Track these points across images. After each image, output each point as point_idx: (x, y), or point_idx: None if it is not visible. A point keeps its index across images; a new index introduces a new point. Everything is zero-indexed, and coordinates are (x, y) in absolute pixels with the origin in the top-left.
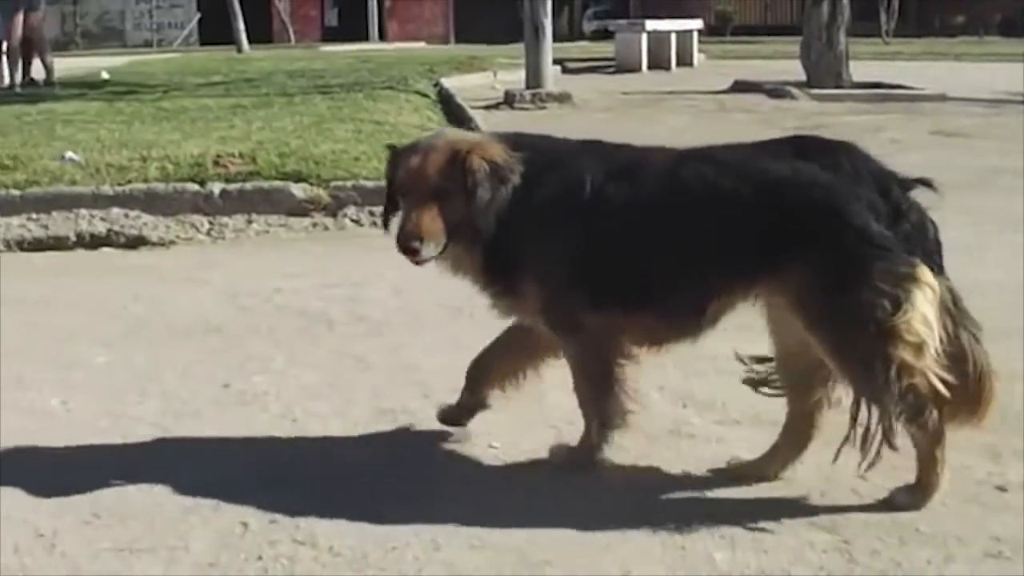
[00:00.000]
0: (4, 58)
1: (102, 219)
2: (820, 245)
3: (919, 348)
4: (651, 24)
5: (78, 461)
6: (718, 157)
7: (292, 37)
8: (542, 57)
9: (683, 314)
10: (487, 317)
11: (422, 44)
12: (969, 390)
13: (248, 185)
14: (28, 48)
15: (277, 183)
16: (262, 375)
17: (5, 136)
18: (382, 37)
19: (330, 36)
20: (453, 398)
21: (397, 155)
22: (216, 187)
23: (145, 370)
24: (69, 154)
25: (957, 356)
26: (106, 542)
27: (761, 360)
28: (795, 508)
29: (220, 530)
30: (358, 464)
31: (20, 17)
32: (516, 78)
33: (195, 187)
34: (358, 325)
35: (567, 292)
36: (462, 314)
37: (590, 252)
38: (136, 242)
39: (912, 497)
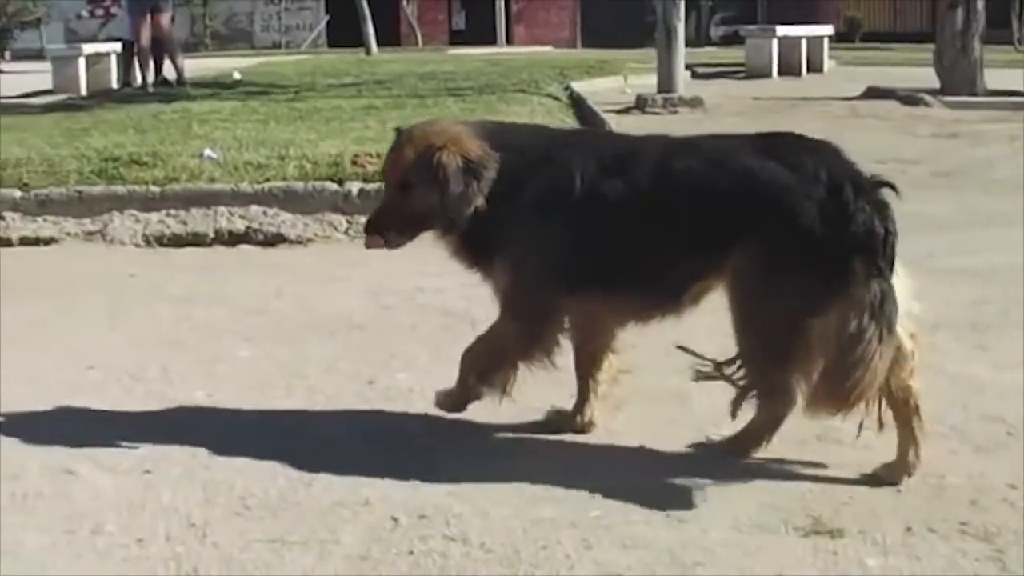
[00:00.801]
0: (135, 59)
1: (241, 216)
2: (765, 237)
3: (807, 353)
4: (782, 29)
5: (225, 453)
6: (697, 147)
7: (419, 40)
8: (674, 61)
9: (664, 295)
10: None
11: (549, 48)
12: (837, 378)
13: None
14: (158, 49)
15: None
16: (406, 372)
17: (144, 134)
18: (509, 41)
19: (457, 39)
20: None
21: (391, 146)
22: (354, 186)
23: (290, 365)
24: (208, 151)
25: (847, 348)
26: (257, 533)
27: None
28: (947, 515)
29: (370, 525)
30: (506, 462)
31: (148, 19)
32: (646, 82)
33: (333, 186)
34: None
35: (543, 276)
36: None
37: (572, 238)
38: (275, 239)
39: (733, 446)
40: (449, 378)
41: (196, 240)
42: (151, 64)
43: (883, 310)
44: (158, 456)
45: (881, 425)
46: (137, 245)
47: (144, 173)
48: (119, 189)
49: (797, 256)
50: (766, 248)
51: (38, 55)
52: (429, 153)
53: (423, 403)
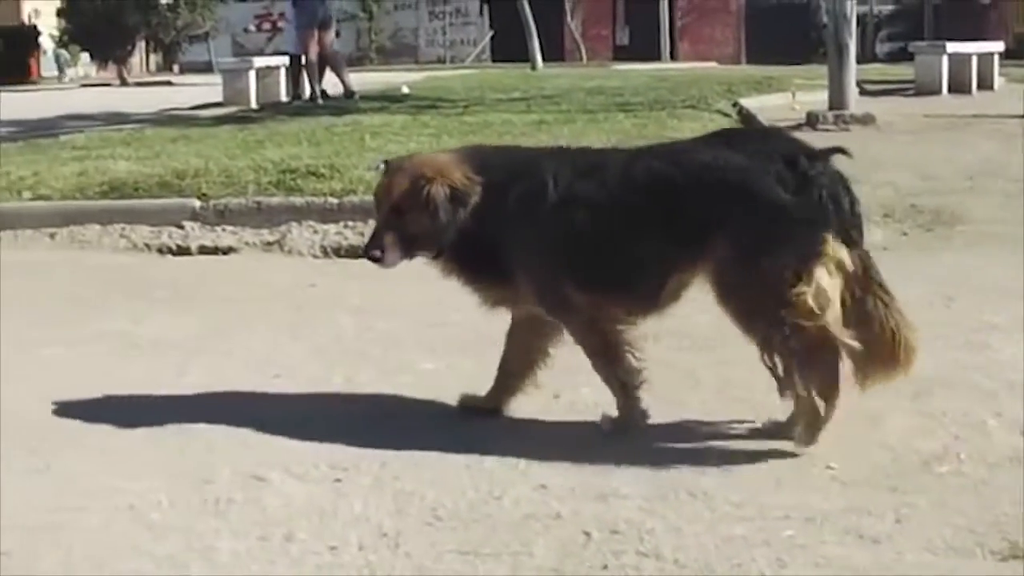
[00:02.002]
0: (303, 72)
1: None
2: (737, 222)
3: (815, 316)
4: (952, 46)
5: (414, 463)
6: (660, 152)
7: (584, 55)
8: (846, 78)
9: (646, 292)
10: None
11: (713, 64)
12: (883, 349)
13: None
14: (322, 63)
15: None
16: (589, 387)
17: (318, 146)
18: (673, 57)
19: (621, 55)
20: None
21: (384, 172)
22: None
23: (473, 378)
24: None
25: (865, 319)
26: (449, 544)
27: None
28: None
29: (562, 539)
30: (695, 478)
31: (316, 33)
32: (813, 99)
33: None
34: (684, 340)
35: (555, 278)
36: None
37: (566, 243)
38: None
39: (799, 438)
40: None
41: None
42: (319, 77)
43: (868, 275)
44: (347, 465)
45: None
46: (315, 256)
47: (321, 185)
48: (297, 200)
49: (771, 231)
50: (740, 231)
51: (206, 68)
52: (420, 183)
53: None
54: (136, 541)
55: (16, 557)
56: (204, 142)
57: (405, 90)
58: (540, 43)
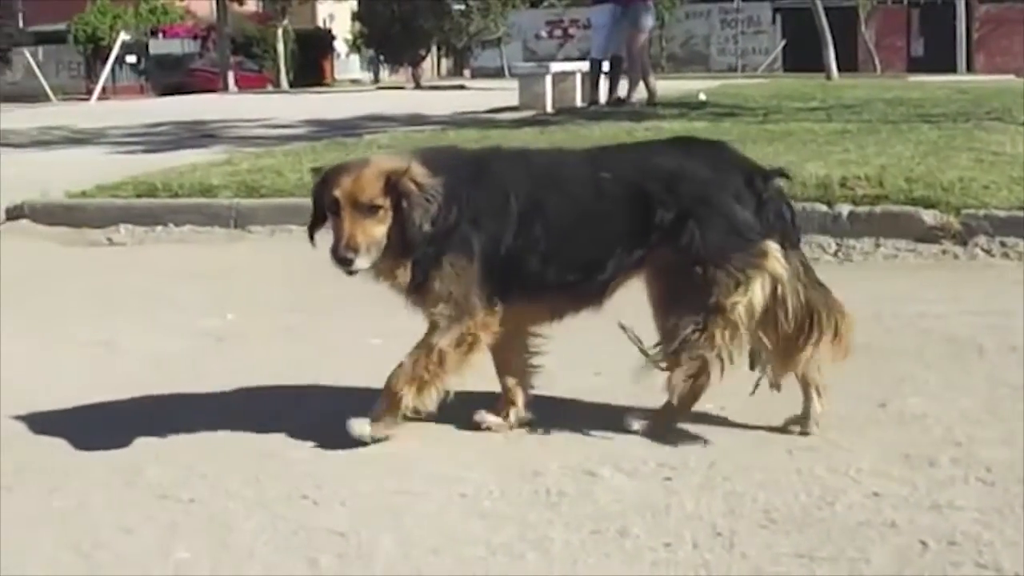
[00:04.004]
0: (603, 77)
1: None
2: (691, 229)
3: (734, 329)
4: None
5: (742, 465)
6: (616, 156)
7: (878, 66)
8: None
9: (589, 293)
10: None
11: (1011, 77)
12: (829, 334)
13: (876, 209)
14: (617, 68)
15: (906, 208)
16: (918, 396)
17: None
18: (969, 68)
19: (915, 66)
20: None
21: (327, 175)
22: (844, 209)
23: (797, 384)
24: None
25: (810, 310)
26: (784, 547)
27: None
28: None
29: (899, 547)
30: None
31: (640, 36)
32: None
33: (823, 208)
34: (1010, 355)
35: (474, 295)
36: None
37: (509, 255)
38: None
39: (646, 426)
40: (961, 404)
41: None
42: (627, 82)
43: (808, 275)
44: (676, 463)
45: None
46: None
47: None
48: None
49: (722, 242)
50: (694, 238)
51: (496, 73)
52: (392, 179)
53: (939, 429)
54: (470, 529)
55: (357, 536)
56: (506, 143)
57: (702, 97)
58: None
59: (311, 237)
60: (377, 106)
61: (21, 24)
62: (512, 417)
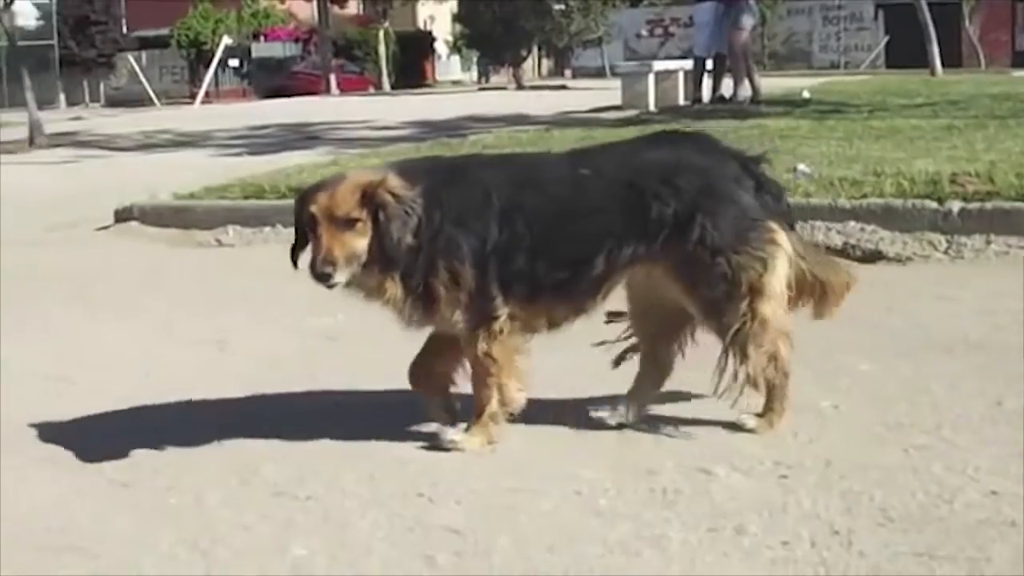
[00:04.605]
0: (705, 75)
1: (838, 232)
2: (702, 220)
3: (778, 302)
4: None
5: (858, 465)
6: (605, 154)
7: (982, 61)
8: None
9: (585, 295)
10: None
11: None
12: (828, 293)
13: (988, 205)
14: (720, 66)
15: (1018, 204)
16: None
17: None
18: None
19: (1020, 61)
20: None
21: (304, 194)
22: (955, 205)
23: (911, 381)
24: (802, 167)
25: (815, 278)
26: (902, 545)
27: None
28: None
29: (1019, 546)
30: None
31: (743, 33)
32: None
33: (933, 204)
34: None
35: (483, 292)
36: None
37: (499, 253)
38: (873, 256)
39: (760, 423)
40: None
41: None
42: (733, 78)
43: (805, 249)
44: (792, 462)
45: None
46: None
47: None
48: None
49: (737, 227)
50: (707, 229)
51: (597, 73)
52: (368, 192)
53: None
54: (586, 527)
55: (473, 534)
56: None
57: (806, 95)
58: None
59: (294, 261)
60: (479, 107)
61: (125, 30)
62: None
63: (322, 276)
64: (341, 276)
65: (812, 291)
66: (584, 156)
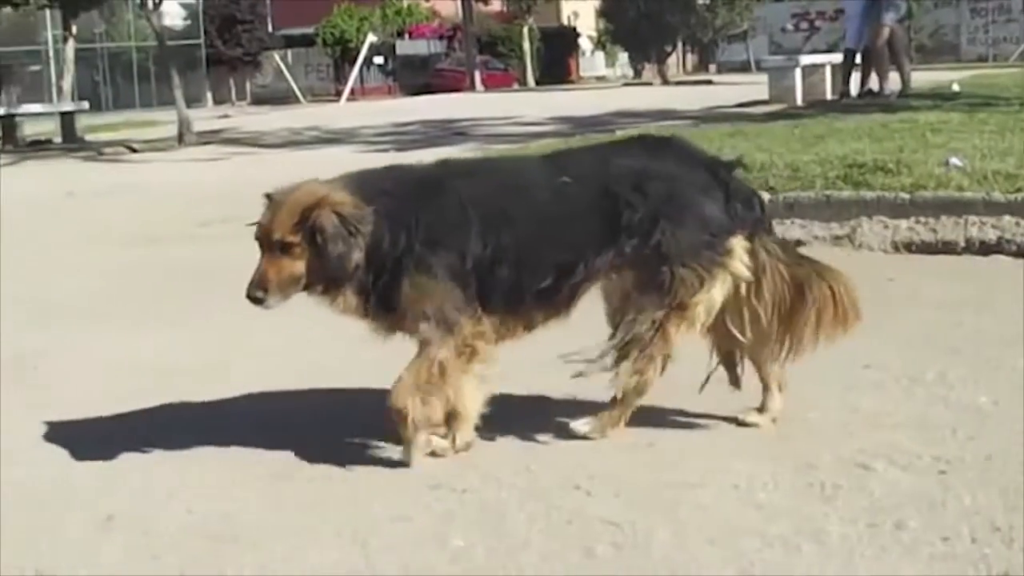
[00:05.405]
0: (855, 68)
1: (993, 226)
2: (663, 226)
3: (688, 325)
4: None
5: (1020, 459)
6: (578, 158)
7: None
8: None
9: (560, 301)
10: None
11: None
12: (824, 307)
13: None
14: (880, 57)
15: None
16: None
17: (879, 142)
18: None
19: None
20: None
21: (267, 205)
22: None
23: None
24: (954, 160)
25: (801, 286)
26: None
27: None
28: None
29: None
30: None
31: (890, 26)
32: None
33: None
34: None
35: (450, 300)
36: None
37: (471, 261)
38: None
39: (594, 426)
40: None
41: (946, 248)
42: (876, 73)
43: (789, 253)
44: (951, 457)
45: None
46: (885, 251)
47: (890, 180)
48: (867, 195)
49: (692, 240)
50: (665, 236)
51: (742, 67)
52: (305, 215)
53: None
54: (745, 520)
55: (632, 526)
56: (761, 137)
57: (955, 88)
58: None
59: None
60: (624, 102)
61: (270, 28)
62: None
63: (254, 300)
64: (273, 301)
65: (800, 297)
66: (560, 161)
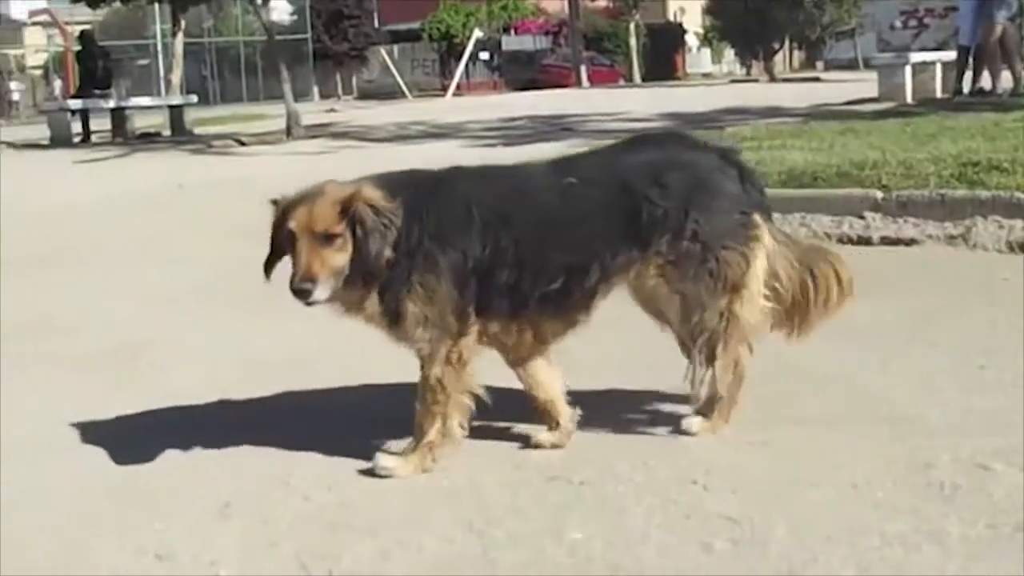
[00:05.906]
0: (969, 65)
1: None
2: (695, 215)
3: (753, 303)
4: None
5: None
6: (586, 160)
7: None
8: None
9: (576, 307)
10: None
11: None
12: (831, 285)
13: None
14: (992, 56)
15: None
16: None
17: (992, 141)
18: None
19: None
20: None
21: (284, 208)
22: None
23: None
24: None
25: (804, 269)
26: None
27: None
28: None
29: None
30: None
31: (1000, 23)
32: None
33: None
34: None
35: (455, 311)
36: None
37: (481, 269)
38: None
39: (705, 426)
40: None
41: None
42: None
43: (788, 239)
44: None
45: None
46: (1000, 251)
47: (1006, 179)
48: (982, 194)
49: (726, 222)
50: (700, 224)
51: (849, 64)
52: (346, 206)
53: None
54: (864, 519)
55: (750, 522)
56: (872, 135)
57: None
58: None
59: (267, 272)
60: (732, 99)
61: (376, 24)
62: None
63: (300, 292)
64: (321, 293)
65: (812, 276)
66: (568, 164)
